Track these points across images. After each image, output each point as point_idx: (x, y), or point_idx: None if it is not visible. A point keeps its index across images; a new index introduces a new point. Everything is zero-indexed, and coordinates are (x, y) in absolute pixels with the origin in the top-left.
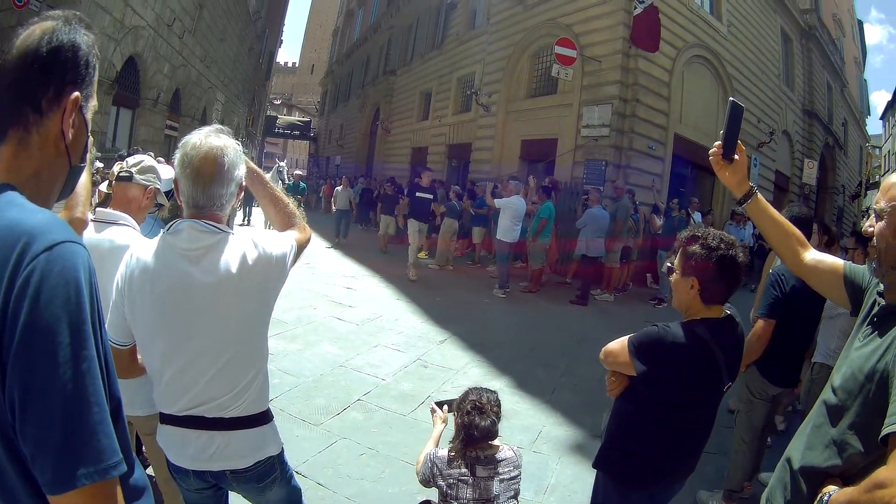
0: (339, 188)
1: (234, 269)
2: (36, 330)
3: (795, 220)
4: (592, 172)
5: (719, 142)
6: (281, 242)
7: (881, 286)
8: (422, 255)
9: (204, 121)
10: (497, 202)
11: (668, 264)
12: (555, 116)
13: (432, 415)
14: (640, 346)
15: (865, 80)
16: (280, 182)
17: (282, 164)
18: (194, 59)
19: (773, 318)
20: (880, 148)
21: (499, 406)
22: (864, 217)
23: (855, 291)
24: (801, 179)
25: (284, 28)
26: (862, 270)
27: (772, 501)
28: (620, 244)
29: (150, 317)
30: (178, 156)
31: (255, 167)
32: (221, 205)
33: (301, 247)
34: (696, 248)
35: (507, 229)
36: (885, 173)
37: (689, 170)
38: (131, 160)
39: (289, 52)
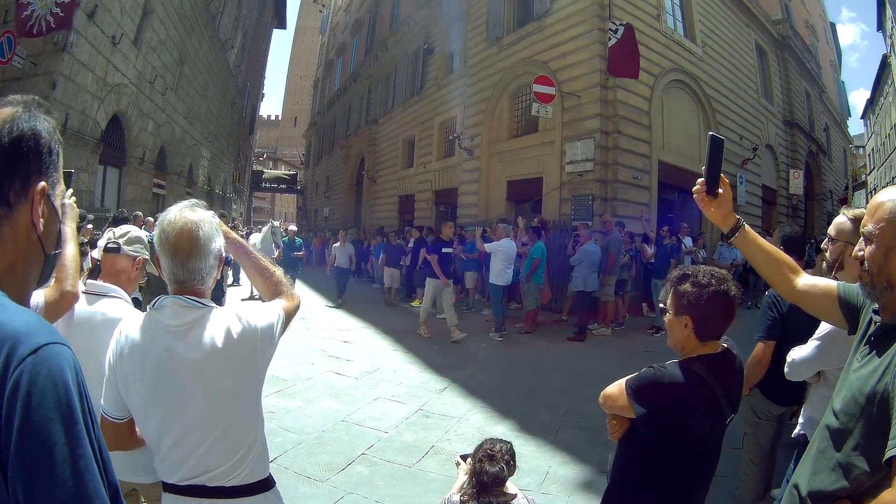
0: (335, 245)
1: (219, 344)
2: (31, 433)
3: (787, 241)
4: (580, 208)
5: (702, 178)
6: (267, 313)
7: (876, 304)
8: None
9: (191, 178)
10: (487, 246)
11: (661, 305)
12: (538, 155)
13: (457, 467)
14: (638, 389)
15: (843, 82)
16: (275, 242)
17: (275, 223)
18: (178, 116)
19: (771, 339)
20: (863, 147)
21: (511, 455)
22: None
23: (851, 311)
24: (789, 191)
25: (265, 81)
26: (856, 289)
27: None
28: (614, 278)
29: (141, 392)
30: (156, 233)
31: (238, 238)
32: (202, 278)
33: (289, 315)
34: (686, 286)
35: (499, 272)
36: (870, 172)
37: (675, 195)
38: (118, 231)
39: (271, 105)
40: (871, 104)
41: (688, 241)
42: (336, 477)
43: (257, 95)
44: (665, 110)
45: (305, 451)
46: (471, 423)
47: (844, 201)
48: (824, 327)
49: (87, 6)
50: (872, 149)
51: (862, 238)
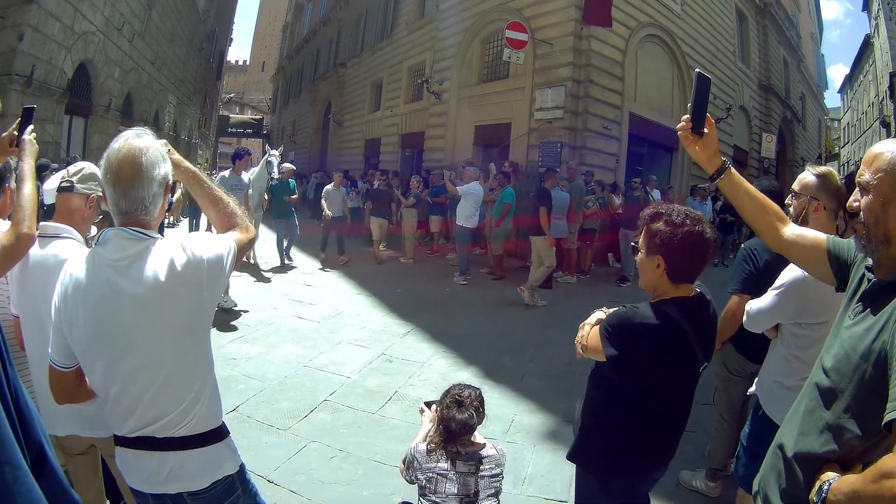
0: (329, 187)
1: (162, 278)
2: None
3: (766, 194)
4: (548, 155)
5: (687, 115)
6: (215, 244)
7: (869, 260)
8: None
9: (157, 124)
10: (460, 189)
11: (633, 243)
12: (508, 101)
13: (421, 414)
14: (611, 330)
15: (822, 55)
16: (269, 175)
17: (273, 152)
18: (145, 63)
19: (746, 293)
20: (839, 120)
21: (480, 402)
22: None
23: (840, 266)
24: (760, 153)
25: (234, 26)
26: (846, 244)
27: (765, 489)
28: (576, 226)
29: (85, 334)
30: (101, 164)
31: (190, 165)
32: (145, 208)
33: (242, 248)
34: (660, 225)
35: (468, 215)
36: (843, 145)
37: (645, 148)
38: (72, 168)
39: (239, 50)
40: (849, 80)
41: (656, 194)
42: (298, 425)
43: (226, 40)
44: (639, 64)
45: (268, 398)
46: (434, 369)
47: None
48: (784, 278)
49: None
50: (848, 123)
51: (858, 189)
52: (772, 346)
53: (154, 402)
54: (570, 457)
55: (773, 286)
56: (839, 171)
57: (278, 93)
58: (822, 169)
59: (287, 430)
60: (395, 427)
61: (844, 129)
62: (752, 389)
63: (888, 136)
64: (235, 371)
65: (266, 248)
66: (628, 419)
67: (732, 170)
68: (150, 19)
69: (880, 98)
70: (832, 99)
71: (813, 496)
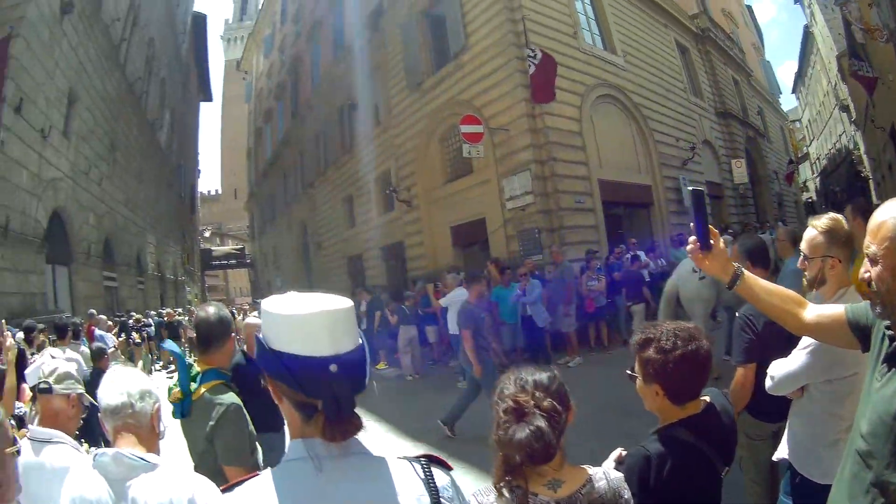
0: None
1: None
2: None
3: (751, 254)
4: (528, 243)
5: (693, 237)
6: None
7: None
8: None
9: (140, 266)
10: (442, 301)
11: (629, 371)
12: (477, 196)
13: None
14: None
15: (768, 62)
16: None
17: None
18: (118, 205)
19: (751, 362)
20: (799, 121)
21: (559, 393)
22: (803, 192)
23: (861, 331)
24: (734, 182)
25: (200, 157)
26: (863, 308)
27: None
28: (573, 307)
29: None
30: None
31: None
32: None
33: None
34: (650, 353)
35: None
36: (810, 143)
37: (621, 209)
38: (47, 368)
39: (209, 180)
40: (799, 76)
41: (642, 255)
42: None
43: (193, 172)
44: (596, 127)
45: None
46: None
47: (790, 177)
48: (809, 339)
49: (13, 100)
50: (809, 120)
51: (867, 259)
52: (797, 407)
53: None
54: None
55: (801, 346)
56: (811, 169)
57: (254, 219)
58: (826, 223)
59: None
60: None
61: (807, 126)
62: (779, 456)
63: (849, 120)
64: None
65: None
66: None
67: (746, 274)
68: (116, 160)
69: (833, 84)
70: (788, 101)
71: None
